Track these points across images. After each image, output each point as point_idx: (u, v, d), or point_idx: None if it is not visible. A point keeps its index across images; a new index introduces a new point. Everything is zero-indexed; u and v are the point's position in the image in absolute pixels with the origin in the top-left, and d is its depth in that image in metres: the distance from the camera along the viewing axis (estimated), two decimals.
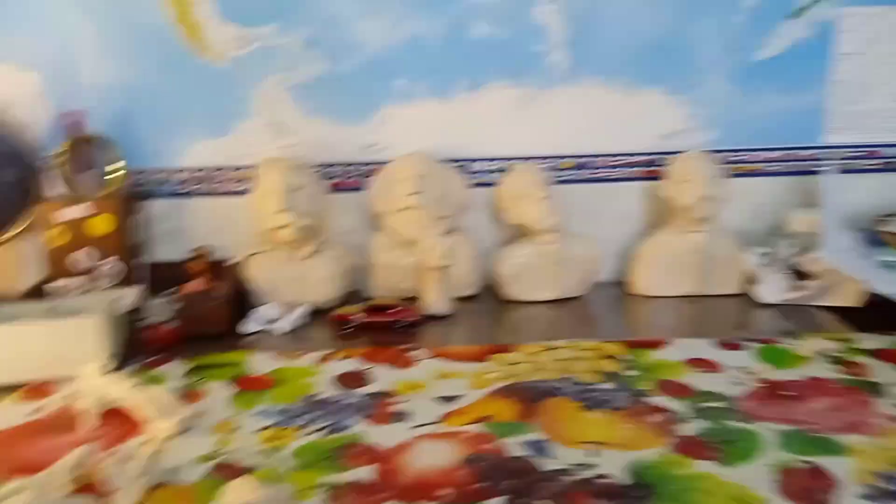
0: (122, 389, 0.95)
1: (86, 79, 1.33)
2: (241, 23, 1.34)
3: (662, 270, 1.38)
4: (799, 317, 1.26)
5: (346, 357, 1.12)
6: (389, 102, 1.40)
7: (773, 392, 0.97)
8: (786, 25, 1.39)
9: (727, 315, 1.31)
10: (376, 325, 1.24)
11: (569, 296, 1.39)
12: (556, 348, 1.13)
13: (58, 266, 1.26)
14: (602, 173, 1.45)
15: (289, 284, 1.32)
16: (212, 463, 0.83)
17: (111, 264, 1.28)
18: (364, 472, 0.80)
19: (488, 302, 1.39)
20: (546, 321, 1.30)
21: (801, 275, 1.33)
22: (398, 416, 0.93)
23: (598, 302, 1.39)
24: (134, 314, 1.22)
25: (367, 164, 1.43)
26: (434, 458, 0.83)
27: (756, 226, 1.48)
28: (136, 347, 1.15)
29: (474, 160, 1.44)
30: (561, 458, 0.82)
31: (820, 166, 1.45)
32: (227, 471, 0.81)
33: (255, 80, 1.37)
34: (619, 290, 1.44)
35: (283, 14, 1.34)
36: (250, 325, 1.25)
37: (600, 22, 1.37)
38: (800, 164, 1.46)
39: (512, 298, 1.38)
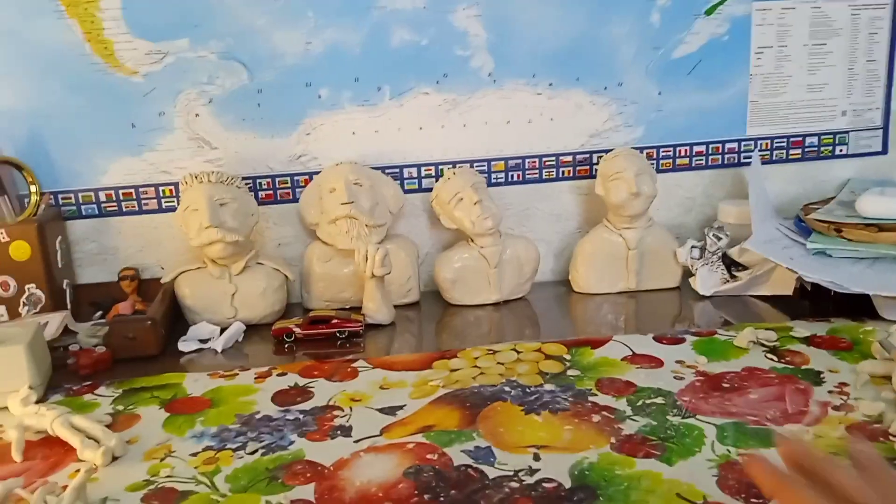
0: (48, 420, 0.91)
1: None
2: (152, 38, 1.30)
3: (600, 268, 1.39)
4: (735, 307, 1.28)
5: (283, 373, 1.09)
6: (313, 112, 1.38)
7: (711, 385, 0.98)
8: (701, 23, 1.43)
9: (666, 309, 1.32)
10: (317, 337, 1.22)
11: (511, 297, 1.39)
12: (497, 351, 1.12)
13: None
14: (534, 174, 1.46)
15: (223, 301, 1.28)
16: (145, 491, 0.80)
17: (32, 290, 1.22)
18: (305, 491, 0.78)
19: (431, 308, 1.38)
20: (490, 324, 1.29)
21: (733, 266, 1.36)
22: (339, 431, 0.91)
23: (541, 302, 1.39)
24: (60, 340, 1.17)
25: (297, 174, 1.40)
26: (377, 472, 0.81)
27: (688, 219, 1.52)
28: (64, 375, 1.11)
29: (405, 166, 1.43)
30: (504, 464, 0.81)
31: (745, 158, 1.49)
32: (162, 498, 0.78)
33: (171, 95, 1.33)
34: (560, 289, 1.45)
35: (193, 28, 1.31)
36: (184, 344, 1.21)
37: (520, 26, 1.38)
38: (725, 156, 1.50)
39: (455, 303, 1.37)
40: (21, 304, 1.23)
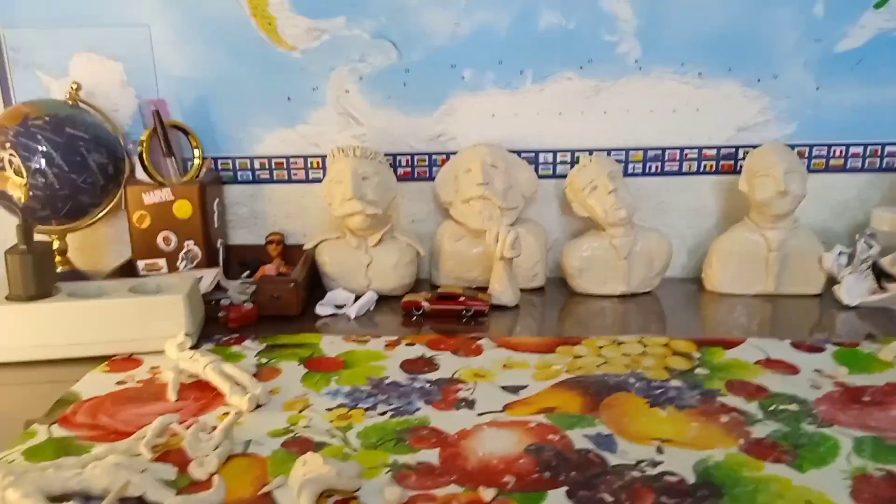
0: (201, 365, 0.99)
1: (166, 69, 1.39)
2: (312, 15, 1.37)
3: (738, 268, 1.34)
4: (882, 320, 1.21)
5: (412, 343, 1.13)
6: (456, 93, 1.40)
7: (851, 397, 0.94)
8: (869, 16, 1.34)
9: (806, 316, 1.26)
10: (444, 312, 1.26)
11: (639, 291, 1.37)
12: (623, 343, 1.12)
13: (141, 247, 1.32)
14: (674, 166, 1.43)
15: (358, 270, 1.34)
16: (284, 438, 0.86)
17: (191, 247, 1.32)
18: (429, 455, 0.82)
19: (556, 294, 1.38)
20: (615, 315, 1.28)
21: (884, 276, 1.28)
22: (463, 403, 0.94)
23: (670, 298, 1.36)
24: (212, 294, 1.26)
25: (435, 153, 1.44)
26: (498, 445, 0.83)
27: (837, 224, 1.43)
28: (214, 326, 1.20)
29: (542, 151, 1.43)
30: (626, 453, 0.82)
31: None
32: (299, 445, 0.84)
33: (326, 72, 1.40)
34: (691, 286, 1.42)
35: (350, 7, 1.36)
36: (322, 308, 1.28)
37: (672, 11, 1.35)
38: (885, 160, 1.40)
39: (580, 291, 1.37)
40: (180, 258, 1.33)
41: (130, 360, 1.08)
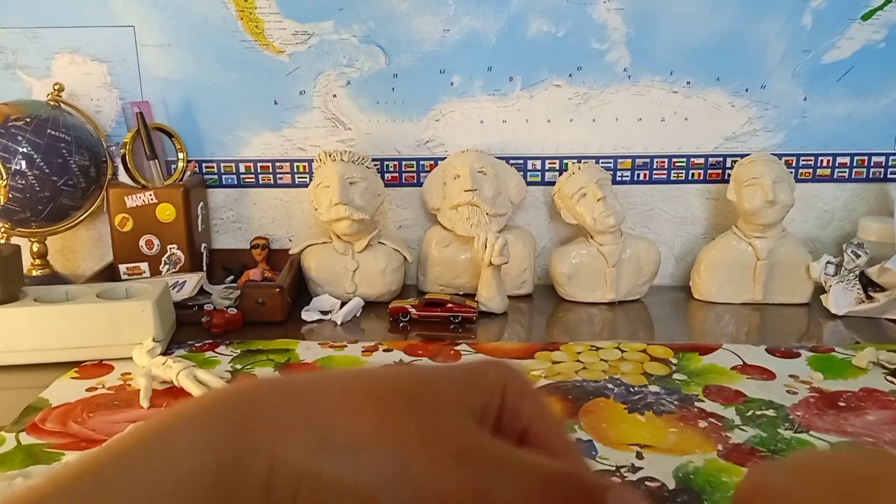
0: (175, 371, 0.97)
1: (151, 71, 1.38)
2: (300, 19, 1.36)
3: (725, 276, 1.34)
4: (868, 330, 1.20)
5: (389, 349, 1.12)
6: (444, 99, 1.40)
7: (827, 402, 0.94)
8: (856, 27, 1.34)
9: (792, 325, 1.25)
10: (431, 319, 1.24)
11: (627, 298, 1.36)
12: (601, 348, 1.11)
13: (123, 251, 1.31)
14: (662, 174, 1.42)
15: (344, 276, 1.33)
16: None
17: (174, 251, 1.31)
18: None
19: (544, 301, 1.38)
20: (604, 323, 1.27)
21: (871, 286, 1.27)
22: None
23: (657, 306, 1.36)
24: (195, 299, 1.24)
25: (423, 159, 1.43)
26: None
27: (825, 234, 1.43)
28: (189, 331, 1.18)
29: (530, 158, 1.43)
30: (606, 459, 0.81)
31: (892, 173, 1.39)
32: None
33: (312, 76, 1.39)
34: (680, 294, 1.41)
35: (338, 11, 1.35)
36: (307, 314, 1.27)
37: (661, 21, 1.34)
38: (871, 170, 1.40)
39: (568, 298, 1.36)
40: (162, 262, 1.32)
41: (101, 366, 1.05)
